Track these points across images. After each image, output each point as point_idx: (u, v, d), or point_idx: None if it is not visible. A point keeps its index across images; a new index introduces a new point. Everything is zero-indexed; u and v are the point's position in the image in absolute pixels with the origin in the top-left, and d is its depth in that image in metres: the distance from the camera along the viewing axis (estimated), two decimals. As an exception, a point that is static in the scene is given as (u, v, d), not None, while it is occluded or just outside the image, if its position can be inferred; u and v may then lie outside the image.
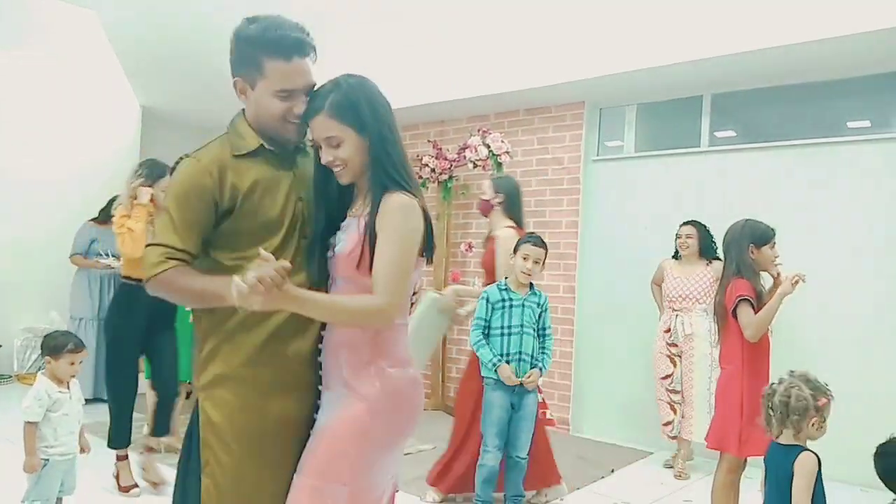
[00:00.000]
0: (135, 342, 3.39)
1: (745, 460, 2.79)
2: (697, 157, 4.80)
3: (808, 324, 4.16)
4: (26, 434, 2.44)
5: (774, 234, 2.87)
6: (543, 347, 3.22)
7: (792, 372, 2.17)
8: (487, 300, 3.16)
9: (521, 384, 3.08)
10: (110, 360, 3.45)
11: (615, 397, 5.01)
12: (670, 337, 4.15)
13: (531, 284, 3.21)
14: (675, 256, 4.30)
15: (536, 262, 3.12)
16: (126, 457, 3.41)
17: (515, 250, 3.17)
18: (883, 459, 2.16)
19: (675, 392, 4.14)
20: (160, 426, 3.48)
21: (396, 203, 1.49)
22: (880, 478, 2.18)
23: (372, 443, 1.51)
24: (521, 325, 3.11)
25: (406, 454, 4.26)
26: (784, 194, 4.37)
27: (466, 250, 5.42)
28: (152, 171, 3.55)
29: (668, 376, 4.16)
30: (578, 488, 3.77)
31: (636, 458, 4.46)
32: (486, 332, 3.16)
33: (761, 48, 3.98)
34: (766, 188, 4.43)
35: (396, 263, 1.46)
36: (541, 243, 3.17)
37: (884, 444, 2.19)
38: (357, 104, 1.52)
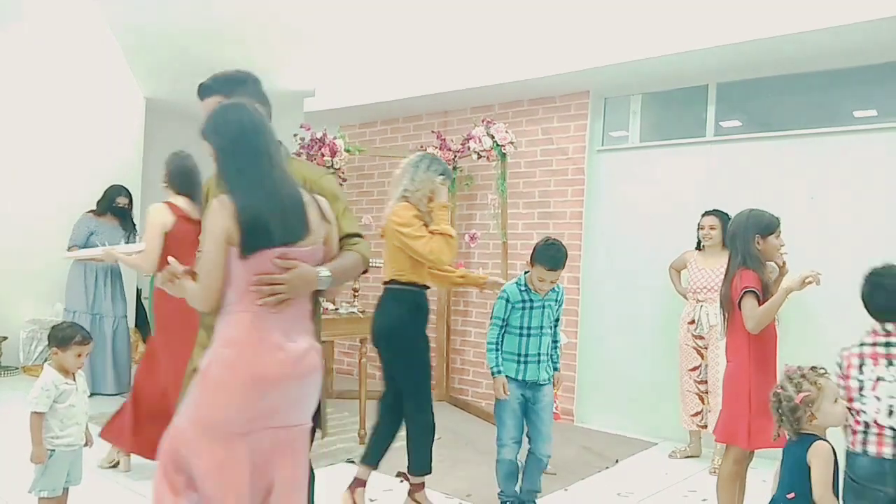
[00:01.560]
0: (428, 349, 3.17)
1: (752, 452, 2.79)
2: (703, 146, 4.77)
3: (815, 315, 4.14)
4: (33, 425, 2.45)
5: (779, 224, 2.85)
6: (555, 341, 3.15)
7: (795, 368, 2.19)
8: (507, 300, 3.04)
9: (536, 381, 3.03)
10: (417, 367, 3.11)
11: (619, 388, 5.01)
12: (695, 328, 4.10)
13: None
14: (698, 247, 4.24)
15: (554, 281, 3.05)
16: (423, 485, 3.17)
17: (532, 263, 3.02)
18: (869, 280, 2.31)
19: (704, 382, 4.12)
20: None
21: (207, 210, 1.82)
22: (863, 300, 2.31)
23: (199, 400, 1.80)
24: (541, 327, 3.04)
25: (411, 445, 4.30)
26: (790, 184, 4.34)
27: (470, 241, 5.41)
28: (447, 168, 3.21)
29: (695, 368, 4.14)
30: (583, 479, 3.78)
31: (641, 449, 4.46)
32: (503, 331, 3.07)
33: (767, 37, 3.95)
34: (771, 178, 4.40)
35: (201, 261, 1.78)
36: (556, 264, 2.97)
37: (877, 268, 2.33)
38: (207, 127, 1.85)
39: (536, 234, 5.37)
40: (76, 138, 6.35)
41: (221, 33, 5.41)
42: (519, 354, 3.02)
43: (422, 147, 5.63)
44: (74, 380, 2.56)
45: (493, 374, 3.03)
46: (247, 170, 1.78)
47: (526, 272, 3.10)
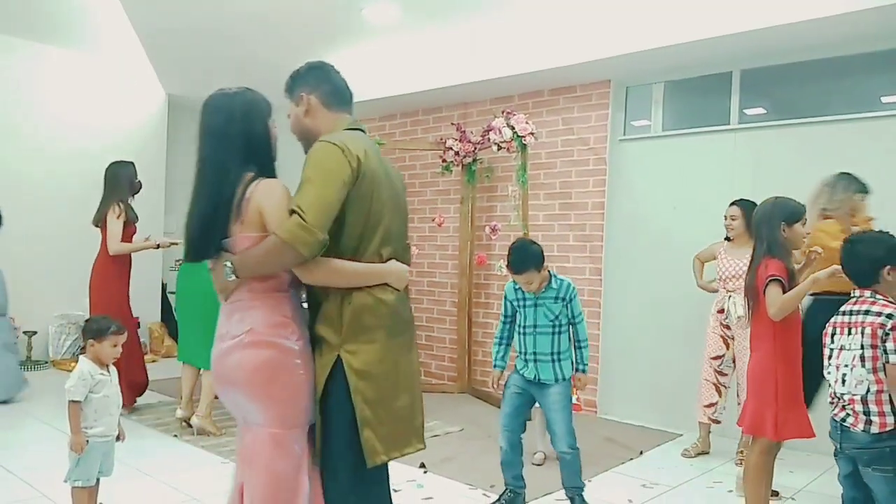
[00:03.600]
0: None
1: (780, 443, 2.76)
2: (727, 135, 4.71)
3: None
4: (71, 413, 2.52)
5: (805, 212, 2.82)
6: (579, 340, 3.10)
7: None
8: (505, 297, 3.15)
9: (539, 380, 3.05)
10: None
11: (643, 379, 4.99)
12: (724, 318, 4.04)
13: (550, 277, 3.06)
14: (728, 238, 4.14)
15: (529, 283, 2.99)
16: None
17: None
18: (845, 247, 2.43)
19: (723, 374, 4.05)
20: None
21: None
22: (842, 265, 2.44)
23: None
24: (535, 326, 3.05)
25: (433, 436, 4.33)
26: (816, 172, 4.26)
27: (491, 233, 5.41)
28: (863, 184, 3.45)
29: (718, 357, 4.06)
30: (607, 470, 3.77)
31: (665, 440, 4.44)
32: (510, 329, 3.17)
33: (791, 22, 3.88)
34: (797, 166, 4.33)
35: None
36: (514, 268, 2.98)
37: (855, 235, 2.45)
38: None
39: (558, 226, 5.36)
40: (101, 135, 6.46)
41: (242, 31, 5.44)
42: (522, 352, 3.11)
43: (441, 139, 5.64)
44: (108, 371, 2.63)
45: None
46: (191, 191, 1.89)
47: None
